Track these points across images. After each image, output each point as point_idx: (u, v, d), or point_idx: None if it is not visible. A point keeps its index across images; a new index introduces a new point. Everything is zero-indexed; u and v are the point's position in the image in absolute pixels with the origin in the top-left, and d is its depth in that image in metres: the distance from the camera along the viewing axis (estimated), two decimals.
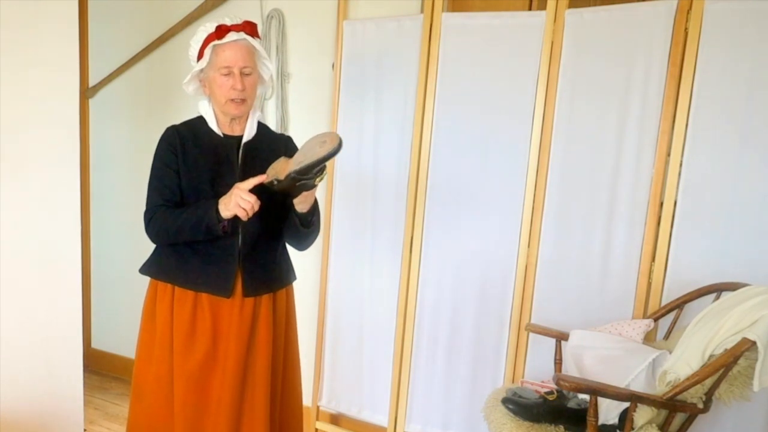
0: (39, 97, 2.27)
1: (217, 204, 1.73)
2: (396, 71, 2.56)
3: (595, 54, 2.21)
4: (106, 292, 3.56)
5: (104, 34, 3.39)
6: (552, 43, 2.27)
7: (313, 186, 1.70)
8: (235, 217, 1.76)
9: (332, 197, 2.73)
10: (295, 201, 1.76)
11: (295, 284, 2.08)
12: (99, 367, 3.58)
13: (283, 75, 2.86)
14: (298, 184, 1.66)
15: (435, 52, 2.46)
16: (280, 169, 1.69)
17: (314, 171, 1.62)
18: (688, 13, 2.05)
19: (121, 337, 3.40)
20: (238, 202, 1.69)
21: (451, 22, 2.44)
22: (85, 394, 2.59)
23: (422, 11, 2.49)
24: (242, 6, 2.87)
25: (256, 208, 1.71)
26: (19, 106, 2.21)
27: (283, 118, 2.89)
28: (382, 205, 2.63)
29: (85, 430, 2.67)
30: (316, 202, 1.83)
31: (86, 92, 3.42)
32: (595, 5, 2.30)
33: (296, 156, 1.67)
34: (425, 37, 2.47)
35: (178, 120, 1.93)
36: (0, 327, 2.25)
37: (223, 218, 1.73)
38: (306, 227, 1.84)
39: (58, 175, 2.35)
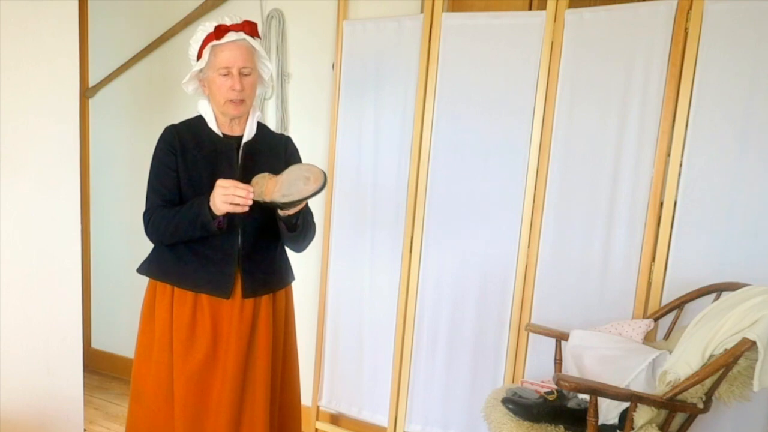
0: (39, 96, 2.27)
1: (208, 201, 1.72)
2: (396, 71, 2.56)
3: (595, 54, 2.22)
4: (106, 292, 3.56)
5: (104, 33, 3.39)
6: (552, 43, 2.28)
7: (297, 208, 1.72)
8: (233, 215, 1.76)
9: (332, 197, 2.73)
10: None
11: (295, 285, 2.08)
12: (99, 367, 3.58)
13: (283, 75, 2.86)
14: (281, 213, 1.72)
15: (435, 52, 2.46)
16: (266, 190, 1.70)
17: (303, 200, 1.68)
18: (688, 13, 2.05)
19: (121, 337, 3.40)
20: (222, 198, 1.67)
21: (451, 22, 2.44)
22: (85, 394, 2.59)
23: (422, 11, 2.49)
24: (242, 6, 2.87)
25: (238, 194, 1.67)
26: (20, 106, 2.21)
27: (283, 118, 2.89)
28: (382, 204, 2.64)
29: (85, 430, 2.67)
30: (301, 209, 1.80)
31: (86, 92, 3.42)
32: (595, 5, 2.30)
33: (281, 182, 1.68)
34: (425, 37, 2.47)
35: (178, 120, 1.93)
36: (0, 327, 2.25)
37: (216, 215, 1.73)
38: (291, 231, 1.83)
39: (58, 174, 2.35)
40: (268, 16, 2.85)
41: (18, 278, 2.28)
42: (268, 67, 1.90)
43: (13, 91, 2.19)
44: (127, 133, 3.37)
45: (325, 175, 1.64)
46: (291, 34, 2.86)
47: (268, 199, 1.69)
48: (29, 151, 2.26)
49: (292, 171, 1.70)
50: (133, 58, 3.28)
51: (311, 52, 2.82)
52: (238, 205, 1.68)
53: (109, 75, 3.37)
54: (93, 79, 3.44)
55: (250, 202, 1.69)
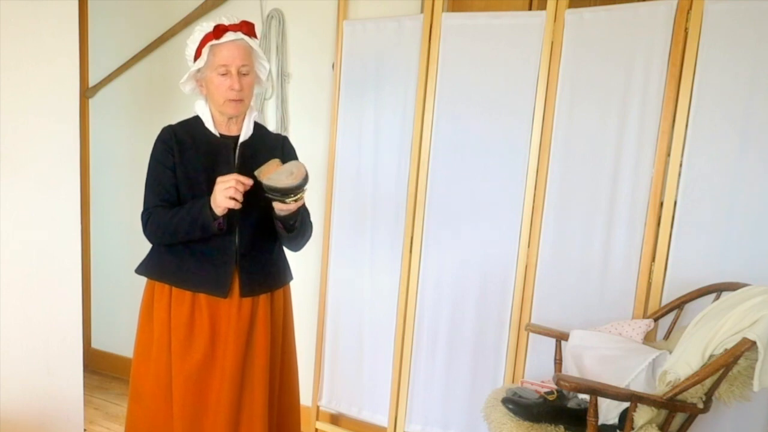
0: (39, 96, 2.27)
1: (209, 201, 1.73)
2: (396, 71, 2.56)
3: (595, 54, 2.22)
4: (106, 292, 3.56)
5: (104, 33, 3.39)
6: (552, 43, 2.27)
7: (285, 203, 1.72)
8: (231, 215, 1.76)
9: (332, 196, 2.73)
10: (273, 205, 1.76)
11: (295, 284, 2.08)
12: (99, 367, 3.58)
13: (283, 75, 2.86)
14: (267, 195, 1.72)
15: (435, 52, 2.46)
16: (265, 170, 1.73)
17: (282, 192, 1.70)
18: (688, 13, 2.05)
19: (121, 337, 3.40)
20: (224, 193, 1.68)
21: (451, 22, 2.44)
22: (85, 394, 2.59)
23: (422, 11, 2.49)
24: (242, 6, 2.87)
25: (239, 189, 1.69)
26: (20, 106, 2.21)
27: (283, 118, 2.89)
28: (382, 204, 2.63)
29: (85, 430, 2.67)
30: (299, 211, 1.81)
31: (86, 92, 3.42)
32: (595, 5, 2.30)
33: (278, 169, 1.72)
34: (425, 37, 2.47)
35: (178, 120, 1.93)
36: (0, 327, 2.25)
37: (217, 215, 1.73)
38: (288, 231, 1.84)
39: (58, 174, 2.35)
40: (268, 16, 2.85)
41: (18, 278, 2.28)
42: (266, 67, 1.91)
43: (13, 91, 2.19)
44: (127, 133, 3.37)
45: (306, 176, 1.68)
46: (291, 34, 2.86)
47: (261, 178, 1.71)
48: (29, 151, 2.26)
49: (289, 164, 1.75)
50: (133, 58, 3.28)
51: (311, 52, 2.82)
52: (235, 200, 1.69)
53: (109, 75, 3.37)
54: (93, 79, 3.44)
55: (241, 190, 1.70)
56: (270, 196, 1.72)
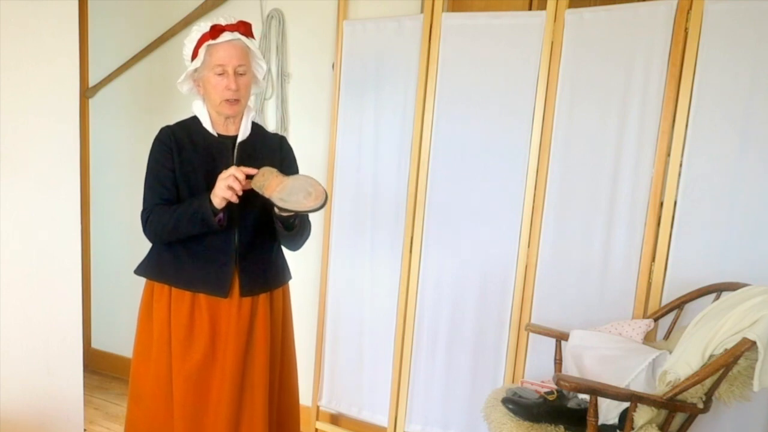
0: (39, 96, 2.27)
1: (209, 195, 1.73)
2: (396, 71, 2.56)
3: (595, 54, 2.22)
4: (106, 292, 3.56)
5: (104, 33, 3.39)
6: (552, 43, 2.28)
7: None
8: (231, 213, 1.76)
9: (332, 197, 2.73)
10: (275, 208, 1.76)
11: (295, 284, 2.08)
12: (99, 367, 3.58)
13: (283, 75, 2.86)
14: (277, 211, 1.73)
15: (435, 52, 2.46)
16: (267, 185, 1.71)
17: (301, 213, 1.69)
18: (688, 13, 2.05)
19: (121, 337, 3.40)
20: (225, 183, 1.69)
21: (451, 22, 2.44)
22: (85, 394, 2.59)
23: (422, 11, 2.49)
24: (242, 6, 2.87)
25: (240, 177, 1.70)
26: (20, 106, 2.21)
27: (283, 118, 2.89)
28: (382, 204, 2.63)
29: (85, 430, 2.67)
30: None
31: (86, 92, 3.42)
32: (595, 5, 2.30)
33: (284, 185, 1.70)
34: (425, 37, 2.47)
35: (178, 120, 1.93)
36: (0, 327, 2.25)
37: (218, 209, 1.73)
38: (288, 230, 1.84)
39: (58, 174, 2.35)
40: (268, 16, 2.85)
41: (18, 278, 2.28)
42: (263, 67, 1.91)
43: (13, 91, 2.19)
44: (127, 133, 3.37)
45: (326, 196, 1.66)
46: (291, 34, 2.86)
47: (266, 194, 1.70)
48: (29, 151, 2.26)
49: (298, 179, 1.72)
50: (133, 58, 3.28)
51: (311, 52, 2.82)
52: (233, 190, 1.69)
53: (109, 75, 3.37)
54: (93, 79, 3.44)
55: (240, 187, 1.70)
56: (283, 214, 1.73)
